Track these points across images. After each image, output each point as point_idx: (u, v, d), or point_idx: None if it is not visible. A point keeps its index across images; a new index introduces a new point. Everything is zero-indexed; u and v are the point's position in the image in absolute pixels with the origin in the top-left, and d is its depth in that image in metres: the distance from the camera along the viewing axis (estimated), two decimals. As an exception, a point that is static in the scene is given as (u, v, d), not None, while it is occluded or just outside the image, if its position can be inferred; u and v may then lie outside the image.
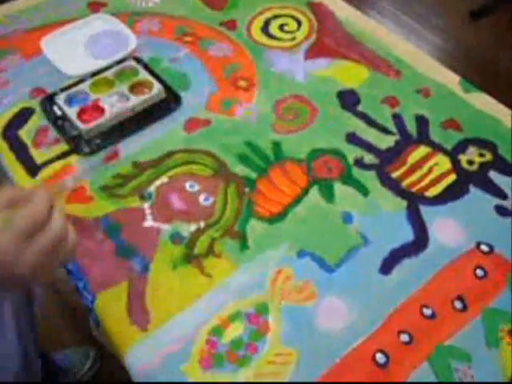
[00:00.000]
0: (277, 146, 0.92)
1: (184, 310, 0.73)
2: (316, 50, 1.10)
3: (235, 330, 0.72)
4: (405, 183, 0.86)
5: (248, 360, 0.69)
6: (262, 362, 0.69)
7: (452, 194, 0.85)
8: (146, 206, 0.85)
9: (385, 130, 0.94)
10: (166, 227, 0.82)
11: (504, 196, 0.85)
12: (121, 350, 0.71)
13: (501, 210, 0.83)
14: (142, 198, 0.86)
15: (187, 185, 0.87)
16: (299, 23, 1.18)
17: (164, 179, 0.88)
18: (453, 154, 0.91)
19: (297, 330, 0.71)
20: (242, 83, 1.03)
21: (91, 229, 0.83)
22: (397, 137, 0.93)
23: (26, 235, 0.43)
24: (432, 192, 0.85)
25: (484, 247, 0.78)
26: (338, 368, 0.68)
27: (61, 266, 0.52)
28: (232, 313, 0.73)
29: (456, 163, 0.89)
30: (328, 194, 0.84)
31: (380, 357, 0.69)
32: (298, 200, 0.84)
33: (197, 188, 0.86)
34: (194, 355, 0.70)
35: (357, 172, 0.88)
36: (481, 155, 0.91)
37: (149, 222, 0.83)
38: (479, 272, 0.76)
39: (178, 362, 0.70)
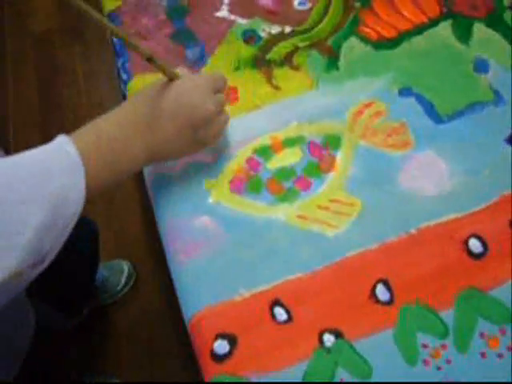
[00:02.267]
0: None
1: (234, 118, 0.55)
2: None
3: (289, 157, 0.54)
4: None
5: (293, 195, 0.51)
6: (312, 203, 0.51)
7: None
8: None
9: None
10: (242, 22, 0.64)
11: None
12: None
13: None
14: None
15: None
16: None
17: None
18: None
19: (370, 178, 0.52)
20: None
21: (154, 6, 0.66)
22: None
23: (211, 90, 0.48)
24: None
25: None
26: (409, 240, 0.49)
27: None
28: (292, 136, 0.55)
29: None
30: (463, 33, 0.61)
31: (475, 244, 0.48)
32: (420, 30, 0.62)
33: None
34: (226, 172, 0.53)
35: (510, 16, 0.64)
36: None
37: (222, 13, 0.65)
38: None
39: (204, 174, 0.53)
